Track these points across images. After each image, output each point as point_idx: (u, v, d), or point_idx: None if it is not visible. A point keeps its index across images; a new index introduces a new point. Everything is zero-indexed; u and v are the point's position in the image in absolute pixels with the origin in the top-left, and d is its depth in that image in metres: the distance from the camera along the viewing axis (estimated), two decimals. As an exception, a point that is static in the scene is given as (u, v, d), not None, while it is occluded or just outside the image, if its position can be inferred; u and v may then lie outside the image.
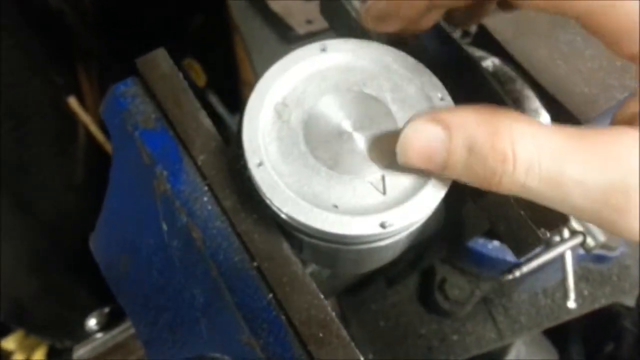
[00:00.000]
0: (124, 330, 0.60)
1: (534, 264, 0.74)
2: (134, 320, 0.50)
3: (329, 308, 0.40)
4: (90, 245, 0.53)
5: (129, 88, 0.48)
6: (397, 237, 0.41)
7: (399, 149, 0.38)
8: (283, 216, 0.40)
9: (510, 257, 0.83)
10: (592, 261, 0.94)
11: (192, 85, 1.29)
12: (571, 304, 0.86)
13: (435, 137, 0.35)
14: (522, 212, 0.42)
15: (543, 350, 1.09)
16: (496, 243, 0.84)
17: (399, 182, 0.40)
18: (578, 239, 0.71)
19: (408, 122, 0.37)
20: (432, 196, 0.39)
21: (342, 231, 0.38)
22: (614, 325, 1.04)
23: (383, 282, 0.96)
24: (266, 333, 0.39)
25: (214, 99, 1.65)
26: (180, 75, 0.48)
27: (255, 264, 0.41)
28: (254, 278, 0.41)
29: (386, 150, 0.41)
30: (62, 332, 1.25)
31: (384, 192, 0.40)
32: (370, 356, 0.94)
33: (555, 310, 0.95)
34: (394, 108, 0.43)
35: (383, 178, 0.40)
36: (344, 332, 0.39)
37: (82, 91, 1.45)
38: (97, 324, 0.62)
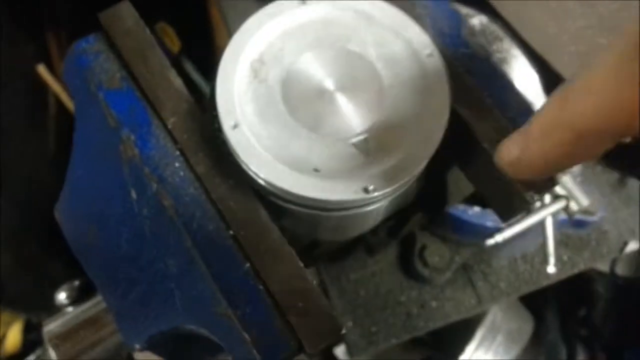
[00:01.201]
0: (96, 304, 0.57)
1: (517, 228, 0.73)
2: (104, 294, 0.47)
3: (310, 277, 0.38)
4: (55, 215, 0.50)
5: (91, 45, 0.45)
6: (380, 203, 0.39)
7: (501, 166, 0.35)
8: (260, 181, 0.37)
9: (490, 222, 0.83)
10: (571, 227, 0.94)
11: (166, 52, 1.24)
12: (551, 268, 0.86)
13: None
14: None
15: (519, 316, 1.10)
16: (476, 209, 0.83)
17: (383, 144, 0.38)
18: (561, 203, 0.70)
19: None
20: (417, 159, 0.37)
21: (324, 196, 0.36)
22: (587, 291, 1.05)
23: (363, 251, 0.94)
24: (244, 304, 0.37)
25: (188, 66, 1.60)
26: (147, 30, 0.44)
27: (231, 232, 0.39)
28: (230, 247, 0.38)
29: (370, 110, 0.38)
30: (37, 305, 1.23)
31: (368, 155, 0.37)
32: (350, 324, 0.93)
33: (534, 275, 0.95)
34: (378, 65, 0.40)
35: (367, 140, 0.38)
36: (325, 301, 0.37)
37: (51, 59, 1.40)
38: (68, 297, 0.59)
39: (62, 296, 0.60)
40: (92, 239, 0.46)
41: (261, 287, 0.37)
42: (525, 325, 1.10)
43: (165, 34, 1.65)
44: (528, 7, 0.62)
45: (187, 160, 0.41)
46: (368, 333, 0.93)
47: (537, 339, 1.10)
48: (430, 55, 0.40)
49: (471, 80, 0.43)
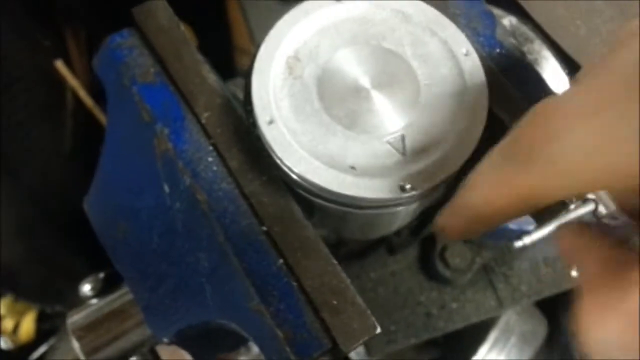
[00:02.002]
0: (120, 296, 0.57)
1: (544, 230, 0.71)
2: (132, 287, 0.47)
3: (344, 274, 0.37)
4: (84, 208, 0.50)
5: (125, 40, 0.45)
6: (414, 203, 0.39)
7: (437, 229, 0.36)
8: (295, 177, 0.37)
9: (514, 225, 0.82)
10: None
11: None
12: (574, 272, 0.85)
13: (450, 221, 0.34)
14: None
15: (533, 318, 1.09)
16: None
17: (420, 142, 0.38)
18: (590, 206, 0.69)
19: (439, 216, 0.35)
20: (454, 159, 0.37)
21: (360, 194, 0.35)
22: None
23: (383, 250, 0.94)
24: (276, 300, 0.37)
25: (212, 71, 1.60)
26: (181, 26, 0.44)
27: (264, 228, 0.39)
28: (263, 243, 0.38)
29: (406, 108, 0.38)
30: (52, 297, 1.24)
31: (404, 153, 0.37)
32: (369, 323, 0.92)
33: (556, 278, 0.94)
34: (414, 64, 0.40)
35: (403, 138, 0.38)
36: (360, 300, 0.37)
37: (69, 55, 1.40)
38: (92, 289, 0.59)
39: (86, 288, 0.60)
40: (122, 233, 0.47)
41: (294, 283, 0.37)
42: (539, 328, 1.09)
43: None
44: (558, 8, 0.62)
45: (220, 155, 0.41)
46: (387, 332, 0.93)
47: (550, 342, 1.09)
48: (466, 54, 0.40)
49: (507, 80, 0.43)
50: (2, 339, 1.20)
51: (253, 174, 0.40)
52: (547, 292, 0.93)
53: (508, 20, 0.60)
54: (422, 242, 0.94)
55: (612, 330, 0.25)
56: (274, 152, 0.37)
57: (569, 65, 0.60)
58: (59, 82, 1.33)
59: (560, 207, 0.40)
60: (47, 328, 1.25)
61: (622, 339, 0.25)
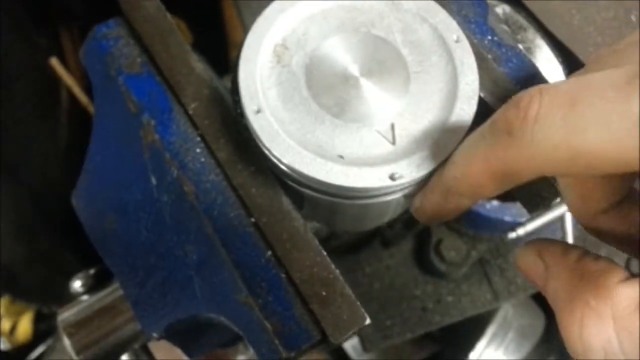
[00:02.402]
0: (111, 292, 0.57)
1: (538, 222, 0.71)
2: (121, 281, 0.47)
3: (333, 265, 0.37)
4: (72, 202, 0.49)
5: (111, 30, 0.44)
6: (403, 192, 0.38)
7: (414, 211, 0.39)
8: (283, 167, 0.37)
9: (508, 217, 0.81)
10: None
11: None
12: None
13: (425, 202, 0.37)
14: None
15: (530, 313, 1.09)
16: (494, 203, 0.82)
17: (409, 131, 0.37)
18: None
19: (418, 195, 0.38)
20: (444, 147, 0.36)
21: (349, 183, 0.35)
22: None
23: (378, 244, 0.93)
24: (265, 292, 0.36)
25: (200, 60, 1.59)
26: (168, 15, 0.43)
27: (252, 219, 0.38)
28: (252, 234, 0.38)
29: (396, 96, 0.38)
30: (49, 296, 1.23)
31: (394, 142, 0.37)
32: (365, 318, 0.92)
33: (552, 271, 0.93)
34: (404, 51, 0.39)
35: (392, 127, 0.37)
36: (349, 291, 0.36)
37: (64, 52, 1.40)
38: (82, 285, 0.59)
39: (77, 284, 0.59)
40: (111, 226, 0.46)
41: (283, 275, 0.37)
42: (537, 322, 1.09)
43: (177, 28, 1.64)
44: (552, -4, 0.61)
45: (208, 146, 0.40)
46: (383, 327, 0.92)
47: (548, 336, 1.09)
48: (457, 40, 0.39)
49: (498, 68, 0.42)
50: None
51: (241, 165, 0.39)
52: (543, 284, 0.93)
53: (501, 9, 0.59)
54: (416, 235, 0.94)
55: (599, 337, 0.26)
56: (261, 141, 0.36)
57: (562, 54, 0.59)
58: (54, 80, 1.32)
59: (553, 196, 0.40)
60: (45, 328, 1.24)
61: (610, 343, 0.26)
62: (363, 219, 0.43)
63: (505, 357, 1.05)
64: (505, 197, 0.77)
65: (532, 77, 0.42)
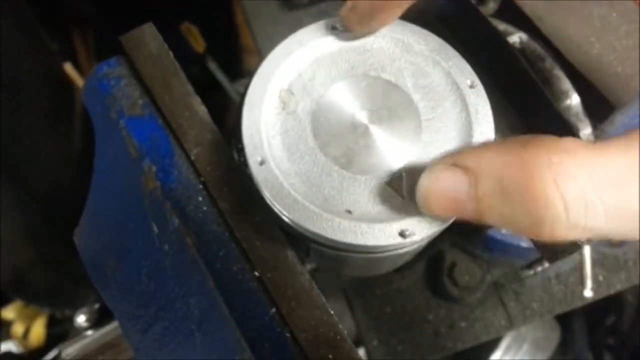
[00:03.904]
0: (116, 328, 0.56)
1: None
2: (123, 327, 0.45)
3: (340, 326, 0.35)
4: (75, 241, 0.48)
5: (112, 69, 0.43)
6: (417, 245, 0.36)
7: (419, 199, 0.32)
8: (288, 222, 0.35)
9: (525, 243, 0.79)
10: (607, 245, 0.90)
11: (192, 52, 1.22)
12: (588, 292, 0.83)
13: (457, 184, 0.30)
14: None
15: (545, 325, 1.08)
16: (510, 228, 0.79)
17: None
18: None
19: (425, 169, 0.32)
20: None
21: (357, 241, 0.33)
22: (615, 299, 1.01)
23: (389, 267, 0.92)
24: (269, 353, 0.34)
25: (213, 66, 1.59)
26: (171, 54, 0.42)
27: (256, 273, 0.36)
28: (255, 290, 0.36)
29: (407, 146, 0.36)
30: (61, 301, 1.24)
31: (404, 195, 0.35)
32: (375, 342, 0.90)
33: (568, 295, 0.91)
34: (416, 97, 0.37)
35: (403, 179, 0.35)
36: (357, 354, 0.34)
37: (77, 57, 1.40)
38: (87, 320, 0.58)
39: (81, 319, 0.58)
40: (112, 270, 0.45)
41: (288, 334, 0.35)
42: (552, 334, 1.08)
43: (190, 34, 1.64)
44: (570, 24, 0.59)
45: (210, 195, 0.38)
46: (393, 352, 0.90)
47: (563, 348, 1.08)
48: (471, 86, 0.37)
49: (514, 107, 0.40)
50: (12, 343, 1.20)
51: (245, 216, 0.37)
52: (559, 309, 0.91)
53: (518, 37, 0.57)
54: (429, 258, 0.92)
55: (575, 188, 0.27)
56: (265, 195, 0.35)
57: (581, 84, 0.57)
58: (68, 85, 1.32)
59: (573, 249, 0.38)
60: (57, 332, 1.25)
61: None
62: (373, 269, 0.42)
63: (519, 370, 1.04)
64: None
65: (552, 120, 0.41)
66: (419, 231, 0.33)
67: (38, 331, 1.21)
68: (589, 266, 0.76)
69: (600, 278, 0.90)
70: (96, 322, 0.57)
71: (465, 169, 0.29)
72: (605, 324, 1.08)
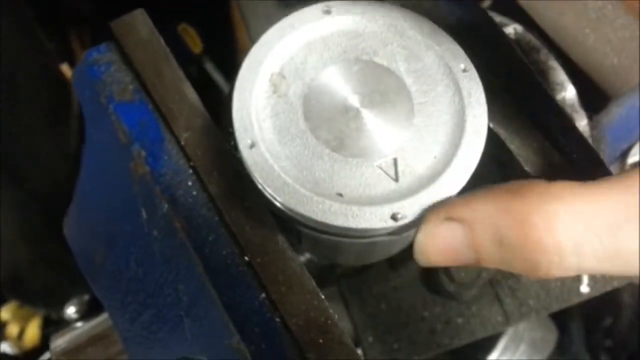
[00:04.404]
0: (105, 319, 0.55)
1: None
2: (112, 316, 0.45)
3: (331, 310, 0.35)
4: (64, 231, 0.47)
5: (102, 55, 0.42)
6: (410, 230, 0.36)
7: (417, 254, 0.33)
8: (279, 205, 0.34)
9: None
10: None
11: (188, 52, 1.22)
12: (584, 288, 0.82)
13: (454, 237, 0.31)
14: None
15: (542, 326, 1.07)
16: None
17: (413, 167, 0.35)
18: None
19: (420, 226, 0.32)
20: (451, 182, 0.34)
21: (348, 224, 0.33)
22: (612, 300, 1.01)
23: (384, 264, 0.91)
24: (258, 338, 0.34)
25: (210, 66, 1.58)
26: (162, 40, 0.42)
27: (246, 258, 0.36)
28: (245, 275, 0.35)
29: (399, 129, 0.35)
30: (56, 302, 1.23)
31: (396, 179, 0.34)
32: (371, 340, 0.90)
33: (565, 292, 0.90)
34: (408, 81, 0.37)
35: (395, 162, 0.35)
36: (348, 339, 0.34)
37: (74, 57, 1.39)
38: (77, 312, 0.57)
39: (71, 310, 0.58)
40: (101, 259, 0.44)
41: (278, 319, 0.34)
42: (549, 335, 1.07)
43: (187, 34, 1.64)
44: (565, 15, 0.58)
45: (200, 179, 0.38)
46: (389, 350, 0.89)
47: (560, 350, 1.07)
48: (464, 70, 0.37)
49: (509, 96, 0.40)
50: (7, 344, 1.20)
51: (235, 200, 0.37)
52: (556, 306, 0.90)
53: (512, 28, 0.57)
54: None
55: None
56: (255, 178, 0.34)
57: (576, 75, 0.57)
58: (65, 85, 1.32)
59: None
60: (52, 333, 1.24)
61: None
62: (367, 255, 0.41)
63: (516, 371, 1.03)
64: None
65: (546, 106, 0.40)
66: (411, 214, 0.33)
67: (33, 332, 1.20)
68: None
69: (597, 275, 0.90)
70: (86, 313, 0.57)
71: (460, 221, 0.30)
72: (602, 325, 1.07)
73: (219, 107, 0.43)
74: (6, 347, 1.17)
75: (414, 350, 0.89)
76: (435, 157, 0.35)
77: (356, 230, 0.33)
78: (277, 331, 0.34)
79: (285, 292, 0.35)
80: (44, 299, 1.21)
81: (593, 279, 0.88)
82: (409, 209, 0.33)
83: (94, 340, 0.54)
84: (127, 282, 0.41)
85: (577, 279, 0.87)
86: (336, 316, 0.34)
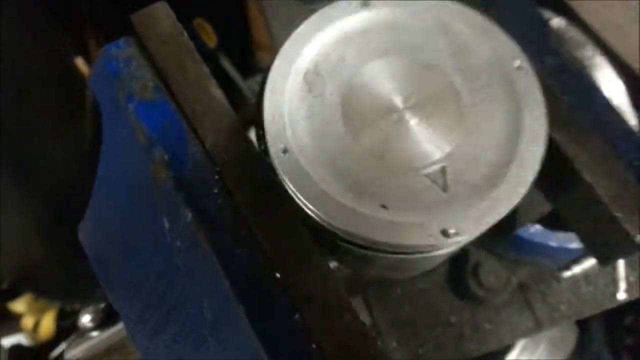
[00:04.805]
0: (121, 329, 0.52)
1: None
2: (129, 330, 0.42)
3: (372, 335, 0.31)
4: (79, 236, 0.44)
5: (122, 50, 0.39)
6: (459, 245, 0.32)
7: None
8: (315, 217, 0.31)
9: (553, 242, 0.75)
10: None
11: (204, 47, 1.20)
12: (621, 295, 0.79)
13: None
14: (618, 215, 0.33)
15: (563, 325, 1.04)
16: (538, 227, 0.76)
17: (464, 176, 0.31)
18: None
19: None
20: (508, 194, 0.30)
21: (394, 240, 0.29)
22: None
23: (410, 266, 0.88)
24: (290, 364, 0.31)
25: (225, 61, 1.57)
26: (185, 34, 0.38)
27: (277, 275, 0.32)
28: (276, 295, 0.32)
29: (447, 134, 0.32)
30: (70, 295, 1.24)
31: (445, 189, 0.31)
32: (395, 344, 0.87)
33: (598, 297, 0.87)
34: (457, 79, 0.33)
35: (444, 170, 0.31)
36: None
37: (89, 53, 1.38)
38: (92, 320, 0.55)
39: (86, 319, 0.55)
40: (119, 268, 0.41)
41: (313, 346, 0.31)
42: (569, 334, 1.06)
43: (202, 29, 1.62)
44: (611, 8, 0.55)
45: (226, 187, 0.35)
46: (415, 354, 0.87)
47: (581, 349, 1.05)
48: (519, 67, 0.33)
49: (564, 97, 0.36)
50: (22, 336, 1.21)
51: (265, 210, 0.34)
52: (588, 311, 0.87)
53: (556, 23, 0.53)
54: (452, 258, 0.88)
55: None
56: (289, 186, 0.31)
57: (623, 70, 0.53)
58: (79, 81, 1.31)
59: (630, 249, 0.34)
60: (67, 326, 1.26)
61: None
62: (404, 270, 0.38)
63: (536, 370, 1.00)
64: (554, 225, 0.71)
65: (602, 107, 0.37)
66: (463, 230, 0.29)
67: (48, 324, 1.22)
68: (622, 268, 0.72)
69: (631, 279, 0.86)
70: (101, 322, 0.54)
71: None
72: (624, 323, 1.05)
73: (236, 105, 0.39)
74: (22, 339, 1.18)
75: (440, 355, 0.86)
76: (488, 164, 0.31)
77: (402, 246, 0.30)
78: (311, 357, 0.31)
79: (321, 314, 0.31)
80: (58, 292, 1.21)
81: (628, 284, 0.85)
82: (461, 224, 0.29)
83: (110, 350, 0.51)
84: (147, 295, 0.39)
85: (610, 284, 0.84)
86: (381, 344, 0.31)
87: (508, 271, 0.84)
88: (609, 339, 1.04)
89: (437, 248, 0.31)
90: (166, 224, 0.36)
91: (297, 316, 0.32)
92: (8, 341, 1.16)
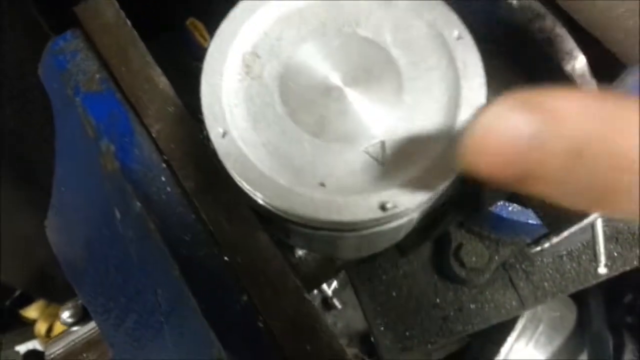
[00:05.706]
0: (99, 324, 0.52)
1: (565, 233, 0.65)
2: (97, 322, 0.42)
3: (318, 312, 0.31)
4: (47, 235, 0.44)
5: (68, 43, 0.39)
6: (406, 218, 0.32)
7: (465, 144, 0.25)
8: (256, 199, 0.31)
9: (532, 219, 0.75)
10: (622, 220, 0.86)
11: (197, 47, 1.20)
12: (602, 269, 0.79)
13: (526, 129, 0.23)
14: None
15: (561, 304, 1.05)
16: (516, 205, 0.75)
17: (403, 149, 0.31)
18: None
19: (487, 106, 0.25)
20: (447, 168, 0.30)
21: (332, 217, 0.29)
22: (632, 276, 0.97)
23: (394, 250, 0.88)
24: (240, 346, 0.31)
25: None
26: (128, 23, 0.38)
27: (225, 259, 0.33)
28: (225, 277, 0.32)
29: (387, 109, 0.32)
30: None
31: (384, 163, 0.31)
32: (382, 328, 0.87)
33: (581, 274, 0.87)
34: (396, 53, 0.33)
35: (383, 145, 0.31)
36: (339, 344, 0.31)
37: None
38: (71, 316, 0.55)
39: (65, 315, 0.55)
40: (82, 263, 0.41)
41: (261, 325, 0.31)
42: (568, 314, 1.06)
43: (195, 29, 1.62)
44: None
45: (174, 174, 0.35)
46: (402, 337, 0.87)
47: (580, 328, 1.05)
48: (458, 37, 0.33)
49: (511, 67, 0.36)
50: (36, 341, 1.22)
51: (212, 196, 0.34)
52: (572, 288, 0.86)
53: (515, -5, 0.53)
54: (435, 240, 0.88)
55: None
56: (229, 170, 0.31)
57: (586, 43, 0.53)
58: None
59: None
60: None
61: None
62: (365, 246, 0.38)
63: (535, 350, 1.02)
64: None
65: (553, 77, 0.37)
66: (401, 203, 0.29)
67: (60, 329, 1.23)
68: (602, 242, 0.72)
69: (615, 254, 0.86)
70: (80, 318, 0.55)
71: (542, 111, 0.23)
72: (623, 302, 1.05)
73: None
74: (36, 345, 1.19)
75: (427, 337, 0.87)
76: (428, 137, 0.31)
77: (341, 223, 0.30)
78: (260, 338, 0.31)
79: (268, 294, 0.32)
80: (70, 297, 1.22)
81: (611, 258, 0.85)
82: (400, 197, 0.29)
83: (87, 346, 0.51)
84: (109, 288, 0.39)
85: (593, 260, 0.84)
86: (327, 321, 0.31)
87: (490, 251, 0.84)
88: (609, 318, 1.04)
89: (378, 223, 0.31)
90: (118, 215, 0.36)
91: (245, 298, 0.32)
92: (23, 348, 1.18)
